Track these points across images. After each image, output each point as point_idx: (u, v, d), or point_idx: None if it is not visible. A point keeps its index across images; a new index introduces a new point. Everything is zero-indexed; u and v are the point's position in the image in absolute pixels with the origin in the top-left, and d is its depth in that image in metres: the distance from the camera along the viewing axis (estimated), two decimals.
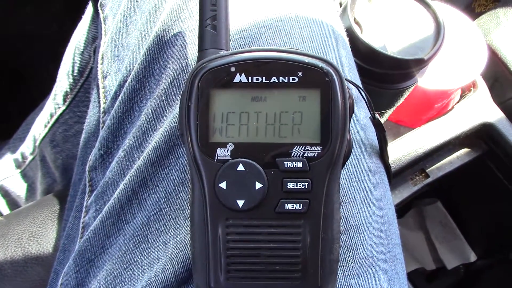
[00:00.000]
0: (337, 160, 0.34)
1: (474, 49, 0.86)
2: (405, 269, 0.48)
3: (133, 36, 0.57)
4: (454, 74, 0.84)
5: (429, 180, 0.91)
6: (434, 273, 1.24)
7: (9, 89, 1.29)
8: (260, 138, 0.35)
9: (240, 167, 0.35)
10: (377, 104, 0.65)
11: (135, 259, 0.46)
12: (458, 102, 0.93)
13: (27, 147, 0.91)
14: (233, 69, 0.34)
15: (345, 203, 0.43)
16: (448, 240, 1.22)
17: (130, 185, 0.48)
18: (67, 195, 0.68)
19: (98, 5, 0.65)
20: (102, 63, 0.60)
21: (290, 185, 0.34)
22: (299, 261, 0.35)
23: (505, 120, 0.92)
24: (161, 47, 0.51)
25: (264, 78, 0.34)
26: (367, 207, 0.44)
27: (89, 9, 0.75)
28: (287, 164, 0.34)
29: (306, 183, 0.34)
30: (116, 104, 0.54)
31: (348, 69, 0.50)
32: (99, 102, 0.59)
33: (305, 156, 0.34)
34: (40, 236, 0.74)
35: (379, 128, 0.48)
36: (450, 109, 0.91)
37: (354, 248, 0.42)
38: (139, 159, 0.49)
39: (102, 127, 0.57)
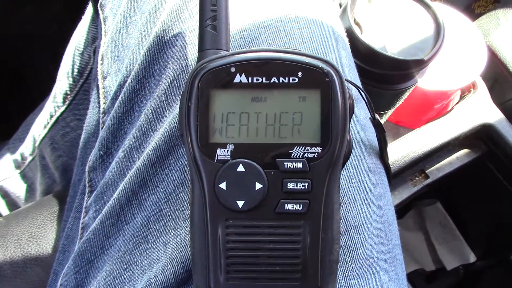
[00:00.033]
0: (337, 161, 0.34)
1: (474, 50, 0.86)
2: (405, 269, 0.47)
3: (133, 36, 0.57)
4: (454, 75, 0.84)
5: (428, 181, 0.91)
6: (433, 274, 1.24)
7: (8, 89, 1.29)
8: (260, 138, 0.35)
9: (240, 168, 0.35)
10: (377, 104, 0.65)
11: (135, 260, 0.46)
12: (457, 103, 0.93)
13: (26, 148, 0.91)
14: (233, 69, 0.34)
15: (345, 203, 0.43)
16: (447, 241, 1.22)
17: (130, 185, 0.48)
18: (67, 195, 0.67)
19: (98, 6, 0.65)
20: (102, 64, 0.60)
21: (290, 185, 0.34)
22: (299, 262, 0.35)
23: (505, 121, 0.92)
24: (161, 48, 0.51)
25: (264, 78, 0.34)
26: (367, 208, 0.44)
27: (89, 10, 0.75)
28: (287, 164, 0.34)
29: (306, 184, 0.34)
30: (116, 105, 0.54)
31: (348, 69, 0.50)
32: (98, 102, 0.59)
33: (305, 157, 0.34)
34: (39, 237, 0.73)
35: (379, 129, 0.48)
36: (450, 110, 0.91)
37: (354, 248, 0.42)
38: (138, 159, 0.49)
39: (102, 128, 0.57)
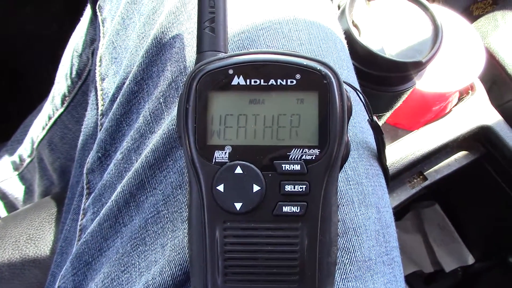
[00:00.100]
0: (335, 163, 0.34)
1: (472, 52, 0.86)
2: (403, 272, 0.47)
3: (131, 38, 0.57)
4: (452, 77, 0.84)
5: (427, 182, 0.91)
6: (432, 276, 1.24)
7: (7, 90, 1.28)
8: (258, 140, 0.35)
9: (238, 170, 0.35)
10: (375, 106, 0.65)
11: (133, 262, 0.46)
12: (456, 105, 0.93)
13: (25, 150, 0.91)
14: (231, 71, 0.34)
15: (343, 205, 0.43)
16: (446, 242, 1.22)
17: (128, 187, 0.48)
18: (65, 197, 0.67)
19: (97, 7, 0.65)
20: (100, 65, 0.60)
21: (288, 187, 0.34)
22: (296, 264, 0.35)
23: (503, 123, 0.92)
24: (160, 50, 0.51)
25: (262, 80, 0.34)
26: (365, 210, 0.44)
27: (88, 11, 0.75)
28: (285, 166, 0.34)
29: (304, 186, 0.34)
30: (114, 107, 0.54)
31: (346, 71, 0.50)
32: (97, 104, 0.59)
33: (303, 159, 0.34)
34: (37, 239, 0.73)
35: (377, 131, 0.48)
36: (448, 112, 0.91)
37: (352, 250, 0.42)
38: (137, 161, 0.49)
39: (100, 130, 0.57)
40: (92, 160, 0.56)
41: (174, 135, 0.46)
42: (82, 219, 0.55)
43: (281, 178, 0.35)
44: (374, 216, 0.45)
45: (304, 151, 0.34)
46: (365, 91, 0.54)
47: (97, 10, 0.65)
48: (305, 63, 0.34)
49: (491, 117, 0.92)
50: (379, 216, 0.46)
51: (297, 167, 0.34)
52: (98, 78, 0.60)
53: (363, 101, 0.48)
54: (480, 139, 0.94)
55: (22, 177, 0.94)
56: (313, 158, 0.34)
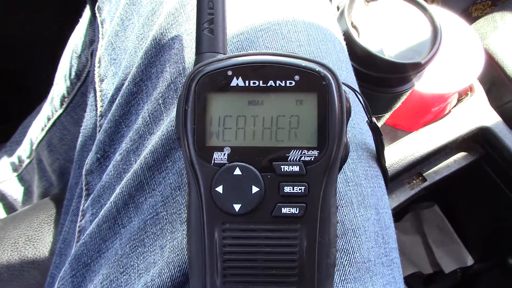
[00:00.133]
0: (334, 164, 0.34)
1: (471, 53, 0.86)
2: (402, 273, 0.47)
3: (130, 39, 0.57)
4: (451, 78, 0.84)
5: (426, 184, 0.91)
6: (431, 277, 1.24)
7: (6, 91, 1.28)
8: (257, 142, 0.35)
9: (237, 171, 0.34)
10: (374, 108, 0.65)
11: (132, 263, 0.46)
12: (455, 106, 0.93)
13: (24, 151, 0.91)
14: (230, 72, 0.34)
15: (342, 207, 0.43)
16: (445, 243, 1.22)
17: (127, 188, 0.48)
18: (64, 198, 0.67)
19: (96, 9, 0.65)
20: (99, 67, 0.60)
21: (287, 189, 0.34)
22: (295, 265, 0.35)
23: (502, 124, 0.92)
24: (159, 51, 0.51)
25: (261, 81, 0.34)
26: (364, 211, 0.44)
27: (87, 12, 0.75)
28: (283, 168, 0.34)
29: (303, 187, 0.34)
30: (113, 108, 0.54)
31: (345, 73, 0.50)
32: (96, 105, 0.59)
33: (302, 160, 0.34)
34: (36, 240, 0.73)
35: (376, 132, 0.48)
36: (447, 113, 0.91)
37: (351, 252, 0.42)
38: (135, 162, 0.49)
39: (99, 131, 0.57)
40: (91, 161, 0.56)
41: (173, 136, 0.46)
42: (81, 221, 0.55)
43: (280, 179, 0.34)
44: (373, 217, 0.45)
45: (303, 152, 0.34)
46: (364, 92, 0.54)
47: (96, 11, 0.65)
48: (304, 65, 0.34)
49: (490, 118, 0.92)
50: (378, 217, 0.45)
51: (296, 169, 0.34)
52: (97, 79, 0.60)
53: (362, 102, 0.48)
54: (479, 140, 0.94)
55: (21, 178, 0.94)
56: (312, 159, 0.34)
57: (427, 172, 0.91)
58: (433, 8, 0.71)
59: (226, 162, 0.35)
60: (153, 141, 0.47)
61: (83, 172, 0.57)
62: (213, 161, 0.35)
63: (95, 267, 0.49)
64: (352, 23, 0.68)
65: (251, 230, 0.35)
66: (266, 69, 0.34)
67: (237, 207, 0.34)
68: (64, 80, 0.80)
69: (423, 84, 0.81)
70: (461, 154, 0.95)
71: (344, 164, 0.36)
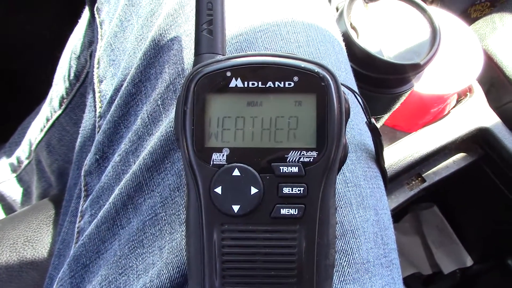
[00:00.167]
0: (333, 165, 0.34)
1: (470, 54, 0.86)
2: (402, 274, 0.47)
3: (129, 40, 0.57)
4: (450, 79, 0.84)
5: (425, 184, 0.91)
6: (430, 277, 1.24)
7: (5, 91, 1.28)
8: (256, 143, 0.35)
9: (236, 172, 0.34)
10: (373, 109, 0.65)
11: (130, 264, 0.46)
12: (454, 106, 0.93)
13: (23, 151, 0.91)
14: (229, 73, 0.34)
15: (341, 208, 0.43)
16: (444, 244, 1.22)
17: (126, 190, 0.48)
18: (63, 199, 0.67)
19: (95, 10, 0.65)
20: (98, 68, 0.60)
21: (286, 190, 0.34)
22: (294, 267, 0.34)
23: (501, 125, 0.92)
24: (157, 52, 0.51)
25: (260, 82, 0.34)
26: (363, 212, 0.44)
27: (86, 14, 0.75)
28: (282, 169, 0.34)
29: (302, 188, 0.34)
30: (112, 109, 0.54)
31: (344, 74, 0.50)
32: (95, 106, 0.59)
33: (301, 161, 0.34)
34: (35, 241, 0.73)
35: (375, 133, 0.48)
36: (446, 114, 0.91)
37: (350, 253, 0.42)
38: (134, 163, 0.49)
39: (98, 132, 0.57)
40: (90, 162, 0.56)
41: (172, 137, 0.46)
42: (79, 221, 0.55)
43: (279, 180, 0.34)
44: (372, 218, 0.45)
45: (302, 153, 0.34)
46: (363, 93, 0.54)
47: (95, 12, 0.65)
48: (303, 66, 0.34)
49: (489, 119, 0.92)
50: (377, 218, 0.45)
51: (295, 170, 0.34)
52: (96, 80, 0.60)
53: (361, 103, 0.48)
54: (478, 141, 0.94)
55: (20, 179, 0.94)
56: (311, 160, 0.34)
57: (426, 173, 0.91)
58: (432, 9, 0.71)
59: (225, 163, 0.35)
60: (152, 142, 0.47)
61: (82, 173, 0.57)
62: (212, 162, 0.35)
63: (94, 268, 0.49)
64: (351, 24, 0.68)
65: (250, 231, 0.35)
66: (265, 70, 0.34)
67: (236, 208, 0.34)
68: (63, 81, 0.80)
69: (422, 85, 0.81)
70: (460, 155, 0.95)
71: (343, 165, 0.36)
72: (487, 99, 0.94)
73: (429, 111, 0.89)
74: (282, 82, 0.34)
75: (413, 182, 0.91)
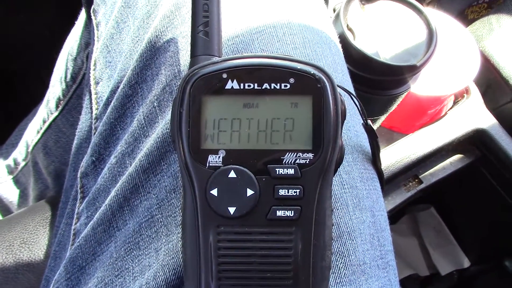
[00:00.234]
0: (329, 167, 0.34)
1: (467, 56, 0.87)
2: (399, 275, 0.47)
3: (125, 42, 0.57)
4: (447, 80, 0.84)
5: (422, 186, 0.91)
6: (427, 279, 1.24)
7: (3, 93, 1.28)
8: (252, 144, 0.35)
9: (232, 174, 0.34)
10: (370, 110, 0.66)
11: (127, 266, 0.46)
12: (451, 108, 0.93)
13: (19, 153, 0.91)
14: (225, 75, 0.34)
15: (337, 209, 0.43)
16: (441, 246, 1.22)
17: (122, 191, 0.48)
18: (59, 201, 0.67)
19: (91, 11, 0.65)
20: (94, 69, 0.60)
21: (282, 192, 0.34)
22: (290, 268, 0.34)
23: (498, 126, 0.92)
24: (154, 53, 0.51)
25: (256, 84, 0.34)
26: (360, 214, 0.44)
27: (82, 15, 0.75)
28: (278, 171, 0.34)
29: (298, 190, 0.34)
30: (108, 110, 0.54)
31: (341, 75, 0.50)
32: (91, 108, 0.59)
33: (297, 163, 0.34)
34: (31, 243, 0.73)
35: (372, 134, 0.48)
36: (443, 115, 0.92)
37: (346, 254, 0.42)
38: (131, 165, 0.49)
39: (94, 133, 0.57)
40: (86, 164, 0.55)
41: (168, 139, 0.46)
42: (76, 223, 0.55)
43: (275, 182, 0.34)
44: (368, 220, 0.45)
45: (298, 155, 0.34)
46: (359, 94, 0.54)
47: (92, 14, 0.65)
48: (299, 67, 0.34)
49: (486, 121, 0.92)
50: (374, 219, 0.45)
51: (291, 171, 0.34)
52: (92, 82, 0.60)
53: (358, 105, 0.48)
54: (475, 143, 0.94)
55: (16, 181, 0.94)
56: (307, 162, 0.34)
57: (423, 174, 0.92)
58: (428, 10, 0.71)
59: (221, 165, 0.35)
60: (148, 144, 0.47)
61: (78, 175, 0.56)
62: (208, 164, 0.35)
63: (90, 270, 0.49)
64: (347, 25, 0.68)
65: (246, 233, 0.35)
66: (261, 72, 0.34)
67: (232, 210, 0.34)
68: (60, 83, 0.80)
69: (419, 87, 0.81)
70: (457, 156, 0.95)
71: (339, 167, 0.36)
72: (484, 100, 0.94)
73: (426, 113, 0.89)
74: (278, 84, 0.34)
75: (410, 184, 0.91)
